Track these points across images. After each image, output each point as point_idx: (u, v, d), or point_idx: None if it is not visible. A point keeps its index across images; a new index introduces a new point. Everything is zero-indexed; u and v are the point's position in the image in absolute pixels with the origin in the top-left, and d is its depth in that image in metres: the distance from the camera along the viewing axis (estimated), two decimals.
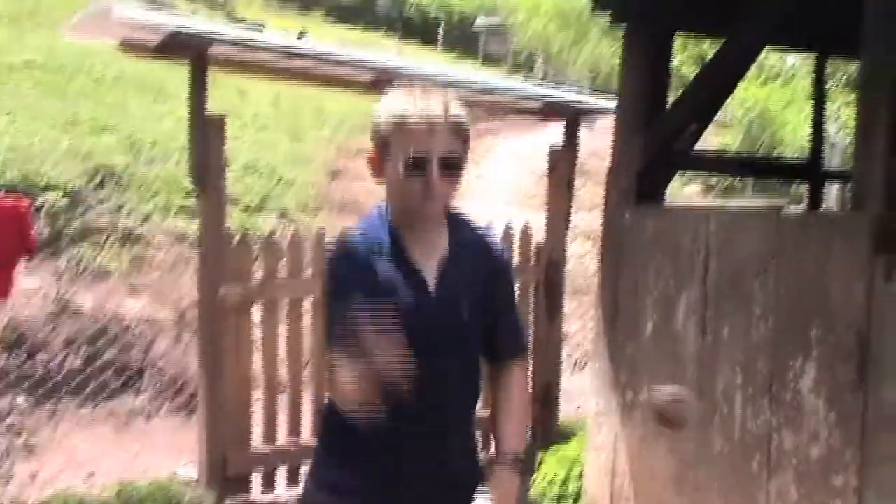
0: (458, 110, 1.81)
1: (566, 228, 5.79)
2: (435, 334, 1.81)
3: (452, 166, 1.81)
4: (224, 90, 11.49)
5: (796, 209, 5.72)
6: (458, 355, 1.88)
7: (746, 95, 16.71)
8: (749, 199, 13.72)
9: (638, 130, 3.48)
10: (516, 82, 7.65)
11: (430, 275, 1.84)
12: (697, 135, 3.72)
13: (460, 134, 1.82)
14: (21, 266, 5.09)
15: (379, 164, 1.85)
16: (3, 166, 6.92)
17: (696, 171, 6.24)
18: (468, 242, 1.92)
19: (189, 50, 4.21)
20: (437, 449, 1.89)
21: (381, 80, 5.02)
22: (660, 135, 3.47)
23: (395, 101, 1.82)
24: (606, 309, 3.52)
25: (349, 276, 1.81)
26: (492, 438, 2.04)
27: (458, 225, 1.93)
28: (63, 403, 5.53)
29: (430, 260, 1.85)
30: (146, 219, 7.48)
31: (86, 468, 4.99)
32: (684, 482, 3.10)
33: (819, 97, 4.50)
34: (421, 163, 1.77)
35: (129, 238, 7.15)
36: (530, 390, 1.68)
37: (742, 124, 16.94)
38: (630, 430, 3.35)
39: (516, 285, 5.50)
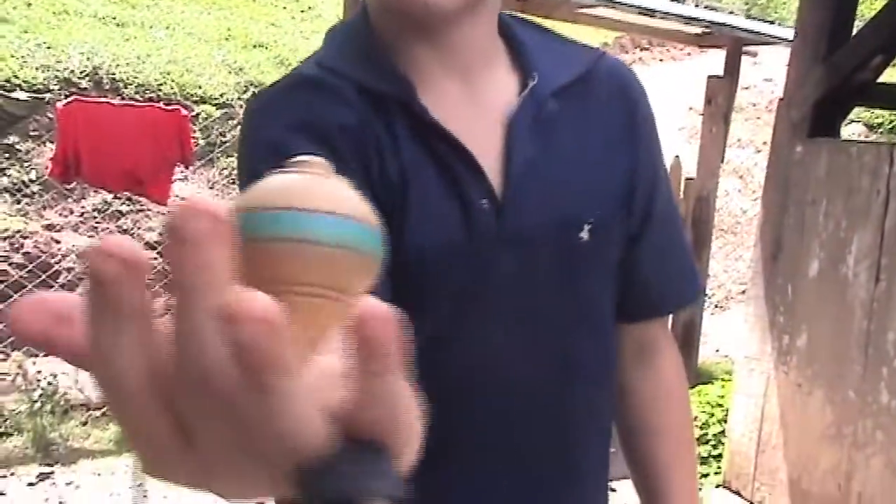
0: None
1: (720, 164, 5.55)
2: (512, 287, 0.84)
3: None
4: None
5: None
6: (576, 314, 0.88)
7: None
8: None
9: (818, 60, 3.23)
10: (676, 5, 7.29)
11: (489, 157, 0.82)
12: (883, 67, 3.41)
13: None
14: (177, 174, 5.28)
15: None
16: (162, 78, 7.17)
17: (879, 105, 5.76)
18: (564, 78, 0.87)
19: None
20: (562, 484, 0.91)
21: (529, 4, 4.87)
22: (842, 65, 3.20)
23: None
24: (767, 247, 3.33)
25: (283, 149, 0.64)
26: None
27: (534, 46, 0.88)
28: None
29: (481, 124, 0.82)
30: None
31: None
32: (842, 436, 2.93)
33: None
34: None
35: None
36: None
37: None
38: (784, 376, 3.18)
39: None
